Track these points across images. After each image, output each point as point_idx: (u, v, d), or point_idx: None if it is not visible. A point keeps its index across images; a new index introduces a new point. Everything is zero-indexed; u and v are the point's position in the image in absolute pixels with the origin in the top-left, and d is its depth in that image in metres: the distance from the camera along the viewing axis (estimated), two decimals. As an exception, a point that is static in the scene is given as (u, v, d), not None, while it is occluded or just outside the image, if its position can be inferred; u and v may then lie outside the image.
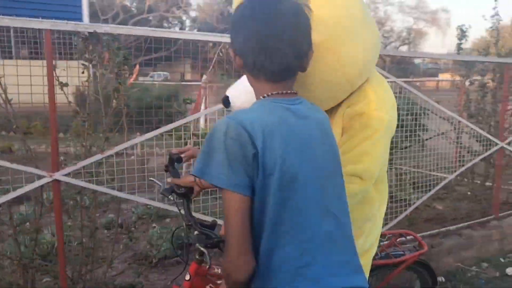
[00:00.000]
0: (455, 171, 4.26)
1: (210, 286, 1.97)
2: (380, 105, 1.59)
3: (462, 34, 4.80)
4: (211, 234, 1.74)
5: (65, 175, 2.27)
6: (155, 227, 4.47)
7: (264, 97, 1.27)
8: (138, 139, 2.46)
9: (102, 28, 2.24)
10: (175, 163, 1.98)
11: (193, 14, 38.07)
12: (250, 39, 1.23)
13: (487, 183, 4.71)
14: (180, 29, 36.98)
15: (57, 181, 2.26)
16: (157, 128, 2.57)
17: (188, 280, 1.89)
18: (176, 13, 34.26)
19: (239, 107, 1.83)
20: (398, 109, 1.73)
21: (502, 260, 4.12)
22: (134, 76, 6.40)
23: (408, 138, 3.93)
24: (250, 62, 1.26)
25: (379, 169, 1.64)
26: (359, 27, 1.56)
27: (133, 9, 34.36)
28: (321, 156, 1.27)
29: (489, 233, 4.18)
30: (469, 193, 4.65)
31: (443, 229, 3.93)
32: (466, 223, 4.17)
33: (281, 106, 1.24)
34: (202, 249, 1.73)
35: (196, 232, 1.75)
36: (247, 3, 1.28)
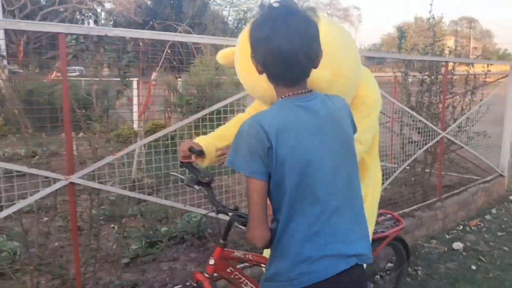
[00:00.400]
0: (402, 160, 4.69)
1: (230, 269, 2.15)
2: (369, 88, 2.08)
3: (402, 34, 5.27)
4: (243, 214, 1.91)
5: (80, 177, 2.27)
6: (114, 227, 4.45)
7: (282, 98, 1.51)
8: (148, 139, 2.50)
9: (113, 31, 2.26)
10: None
11: (108, 6, 36.46)
12: (270, 53, 1.44)
13: (426, 170, 5.21)
14: (95, 21, 35.32)
15: (72, 184, 2.25)
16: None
17: (212, 265, 2.06)
18: (90, 5, 32.65)
19: None
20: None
21: (447, 236, 4.64)
22: (56, 72, 6.17)
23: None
24: (271, 72, 1.50)
25: (372, 137, 2.11)
26: (353, 45, 2.00)
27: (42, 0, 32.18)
28: (333, 142, 1.50)
29: (435, 214, 4.69)
30: (413, 178, 5.11)
31: (400, 211, 4.34)
32: (417, 205, 4.63)
33: (295, 105, 1.47)
34: (241, 226, 1.90)
35: (230, 214, 1.94)
36: (264, 20, 1.47)
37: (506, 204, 5.68)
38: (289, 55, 1.42)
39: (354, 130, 1.66)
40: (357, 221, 1.56)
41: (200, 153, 2.10)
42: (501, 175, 6.03)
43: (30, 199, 2.13)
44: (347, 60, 1.91)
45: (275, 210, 1.53)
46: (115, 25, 33.19)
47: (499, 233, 4.76)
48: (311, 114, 1.48)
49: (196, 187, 2.06)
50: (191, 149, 2.08)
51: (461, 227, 4.91)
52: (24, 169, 2.11)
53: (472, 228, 4.89)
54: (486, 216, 5.24)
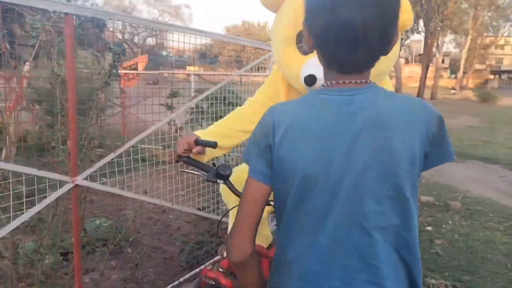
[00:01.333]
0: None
1: None
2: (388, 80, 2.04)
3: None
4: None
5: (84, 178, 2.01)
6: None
7: (324, 85, 1.15)
8: (143, 134, 2.33)
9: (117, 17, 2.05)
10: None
11: None
12: (331, 28, 1.06)
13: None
14: None
15: (76, 187, 1.98)
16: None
17: (226, 257, 1.92)
18: None
19: None
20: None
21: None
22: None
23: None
24: (327, 52, 1.12)
25: None
26: None
27: None
28: (365, 157, 1.05)
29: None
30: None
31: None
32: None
33: (327, 98, 1.11)
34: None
35: (272, 203, 1.87)
36: None
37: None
38: (358, 31, 1.03)
39: (437, 154, 1.14)
40: (379, 273, 1.08)
41: (214, 146, 1.87)
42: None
43: (38, 206, 1.82)
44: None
45: (277, 221, 1.22)
46: None
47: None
48: (343, 114, 1.07)
49: (219, 181, 1.90)
50: (199, 142, 1.87)
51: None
52: (33, 171, 1.79)
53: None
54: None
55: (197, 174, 2.05)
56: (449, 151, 1.15)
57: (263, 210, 1.15)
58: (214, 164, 1.92)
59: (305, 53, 1.84)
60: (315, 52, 1.82)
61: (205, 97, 4.03)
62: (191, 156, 1.91)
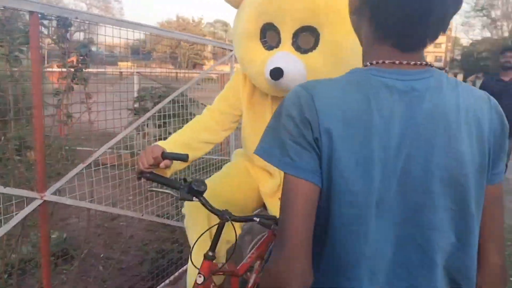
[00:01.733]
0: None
1: (213, 284, 1.84)
2: None
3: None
4: (268, 216, 1.73)
5: (53, 193, 1.82)
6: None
7: (368, 64, 0.90)
8: (112, 141, 2.16)
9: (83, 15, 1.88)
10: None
11: None
12: None
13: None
14: None
15: (45, 203, 1.79)
16: None
17: (201, 284, 1.65)
18: None
19: (291, 79, 1.71)
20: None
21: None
22: None
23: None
24: (384, 20, 0.86)
25: None
26: None
27: None
28: (427, 161, 0.84)
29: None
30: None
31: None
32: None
33: (384, 84, 0.85)
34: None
35: (257, 219, 1.69)
36: None
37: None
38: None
39: (497, 158, 0.92)
40: None
41: (186, 159, 1.65)
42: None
43: (7, 226, 1.62)
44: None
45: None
46: None
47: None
48: (403, 106, 0.84)
49: (195, 199, 1.63)
50: (167, 155, 1.64)
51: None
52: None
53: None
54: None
55: (166, 193, 1.75)
56: (504, 165, 0.94)
57: (314, 218, 0.84)
58: (185, 179, 1.68)
59: (270, 48, 1.78)
60: (281, 46, 1.74)
61: (149, 96, 3.85)
62: (154, 171, 1.66)
